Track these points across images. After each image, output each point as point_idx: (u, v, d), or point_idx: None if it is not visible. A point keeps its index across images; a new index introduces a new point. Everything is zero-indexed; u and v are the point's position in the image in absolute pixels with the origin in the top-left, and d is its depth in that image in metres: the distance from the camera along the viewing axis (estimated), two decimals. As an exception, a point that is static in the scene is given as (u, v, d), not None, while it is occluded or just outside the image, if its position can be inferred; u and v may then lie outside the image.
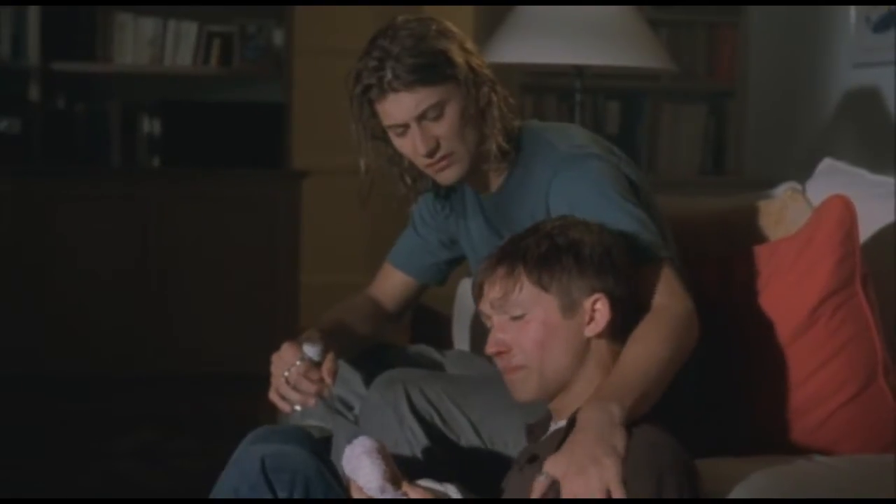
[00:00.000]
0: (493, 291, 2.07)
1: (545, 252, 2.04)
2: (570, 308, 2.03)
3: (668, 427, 1.96)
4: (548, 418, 2.12)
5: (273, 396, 2.34)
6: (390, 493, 1.95)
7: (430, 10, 6.56)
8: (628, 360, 2.01)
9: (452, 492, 2.02)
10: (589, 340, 2.04)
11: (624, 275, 2.06)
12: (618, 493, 1.82)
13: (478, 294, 2.12)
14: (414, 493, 1.96)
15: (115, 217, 5.32)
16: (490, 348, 2.08)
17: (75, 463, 4.15)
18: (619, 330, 2.05)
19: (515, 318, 2.05)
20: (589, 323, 2.03)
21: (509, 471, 2.10)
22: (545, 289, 2.03)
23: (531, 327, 2.04)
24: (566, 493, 1.84)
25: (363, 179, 2.40)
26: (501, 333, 2.06)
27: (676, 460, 1.88)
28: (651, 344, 2.03)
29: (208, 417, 4.75)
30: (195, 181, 5.44)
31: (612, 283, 2.04)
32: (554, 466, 1.87)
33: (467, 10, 5.91)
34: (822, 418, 2.33)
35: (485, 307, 2.10)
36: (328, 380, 2.31)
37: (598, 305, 2.03)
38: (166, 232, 5.37)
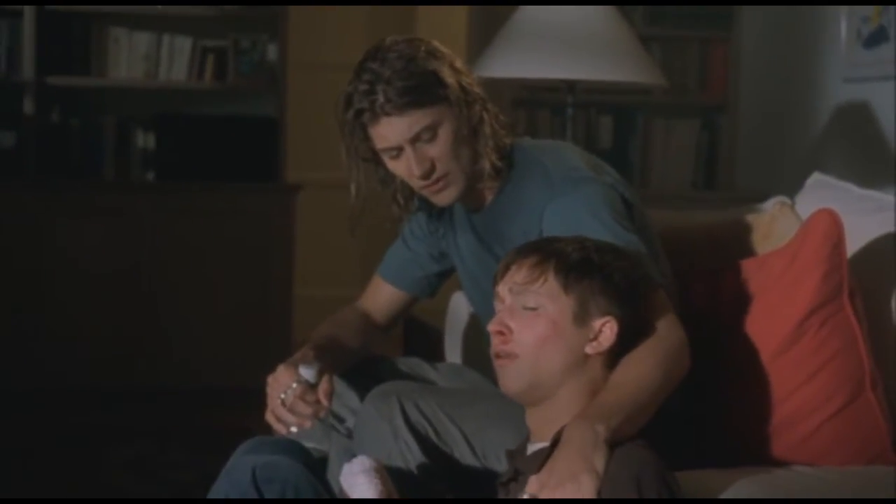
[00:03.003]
0: (517, 275, 2.08)
1: (579, 260, 2.07)
2: (581, 319, 2.05)
3: (653, 440, 1.97)
4: (525, 441, 2.13)
5: (270, 418, 2.34)
6: None
7: (424, 11, 6.60)
8: (619, 382, 2.03)
9: None
10: (587, 357, 2.06)
11: (637, 309, 2.09)
12: None
13: (501, 274, 2.12)
14: None
15: (110, 231, 5.32)
16: (493, 326, 2.09)
17: (68, 474, 4.15)
18: (615, 357, 2.08)
19: (528, 309, 2.07)
20: (593, 340, 2.06)
21: (498, 490, 2.11)
22: (566, 291, 2.05)
23: (540, 322, 2.05)
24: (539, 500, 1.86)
25: (353, 204, 2.41)
26: (509, 318, 2.08)
27: (657, 476, 1.89)
28: (643, 369, 2.05)
29: (201, 430, 4.75)
30: (189, 195, 5.45)
31: (626, 312, 2.07)
32: (536, 483, 1.89)
33: (461, 11, 5.92)
34: (810, 431, 2.34)
35: (503, 289, 2.11)
36: (325, 402, 2.31)
37: (607, 328, 2.05)
38: (160, 246, 5.37)
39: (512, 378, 2.07)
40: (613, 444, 1.92)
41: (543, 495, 1.86)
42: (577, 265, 2.06)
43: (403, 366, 2.68)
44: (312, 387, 2.32)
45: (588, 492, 1.85)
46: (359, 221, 2.41)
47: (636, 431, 1.98)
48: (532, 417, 2.10)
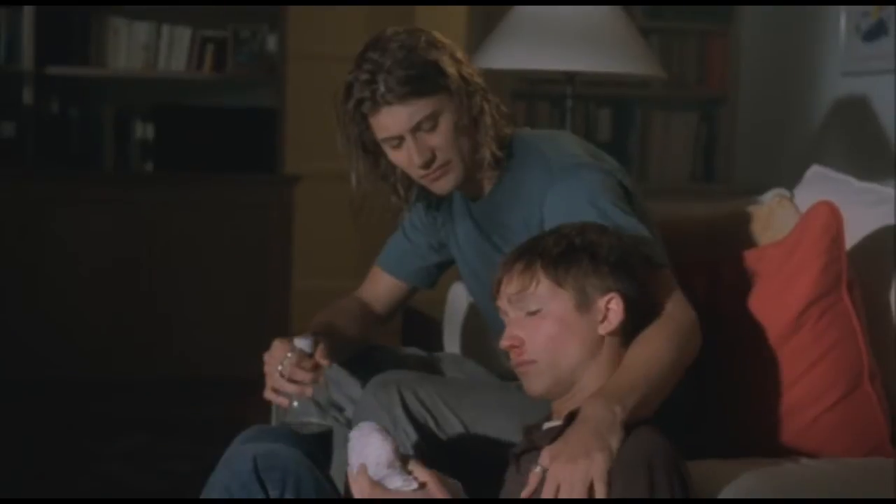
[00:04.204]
0: (510, 286, 2.10)
1: (563, 250, 2.08)
2: (584, 305, 2.06)
3: (660, 429, 1.98)
4: (545, 419, 2.14)
5: (269, 394, 2.34)
6: (398, 470, 1.97)
7: (423, 10, 6.59)
8: (634, 362, 2.04)
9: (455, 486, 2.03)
10: (602, 338, 2.07)
11: (639, 277, 2.10)
12: (600, 489, 1.85)
13: (496, 290, 2.14)
14: (419, 472, 1.98)
15: (109, 221, 5.32)
16: (504, 342, 2.10)
17: (66, 465, 4.15)
18: (631, 331, 2.08)
19: (531, 314, 2.08)
20: (603, 321, 2.07)
21: (507, 468, 2.11)
22: (561, 285, 2.06)
23: (546, 323, 2.07)
24: (550, 477, 1.87)
25: (354, 193, 2.42)
26: (517, 329, 2.09)
27: (669, 461, 1.90)
28: (656, 348, 2.06)
29: (200, 421, 4.76)
30: (188, 186, 5.45)
31: (626, 284, 2.07)
32: (548, 455, 1.90)
33: (461, 10, 5.92)
34: (808, 422, 2.35)
35: (502, 303, 2.13)
36: (324, 362, 2.31)
37: (612, 304, 2.06)
38: (159, 236, 5.38)
39: (536, 381, 2.09)
40: (629, 426, 1.92)
41: (554, 467, 1.87)
42: (562, 256, 2.07)
43: (402, 355, 2.68)
44: (309, 356, 2.31)
45: (599, 470, 1.85)
46: (361, 210, 2.42)
47: (651, 412, 1.99)
48: (557, 404, 2.10)
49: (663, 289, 2.16)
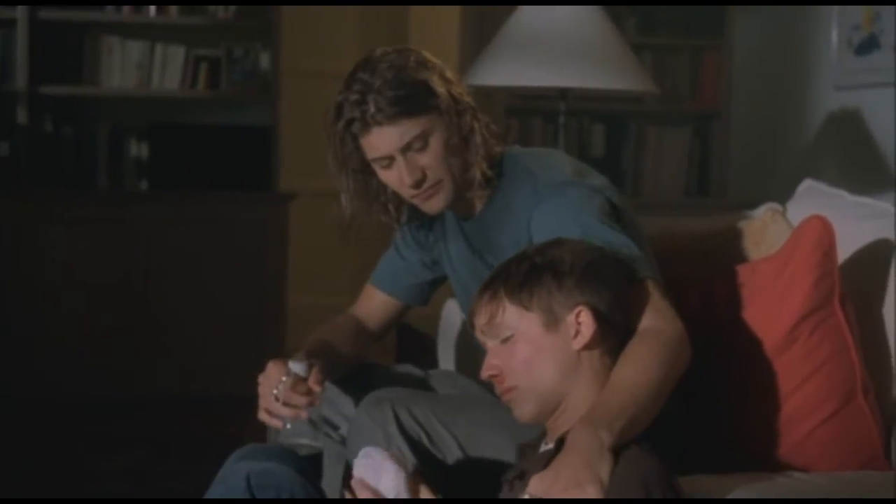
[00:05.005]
0: (480, 318, 2.11)
1: (525, 273, 2.08)
2: (553, 324, 2.05)
3: (651, 446, 1.98)
4: (541, 438, 2.14)
5: (262, 416, 2.34)
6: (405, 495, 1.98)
7: (417, 10, 6.60)
8: (620, 383, 2.02)
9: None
10: (579, 354, 2.06)
11: (610, 287, 2.08)
12: None
13: (470, 324, 2.16)
14: (425, 494, 2.00)
15: (103, 240, 5.32)
16: (483, 373, 2.11)
17: (65, 483, 4.15)
18: (611, 343, 2.07)
19: (505, 341, 2.08)
20: (576, 336, 2.05)
21: (500, 490, 2.11)
22: (526, 308, 2.06)
23: (518, 348, 2.06)
24: None
25: (344, 214, 2.42)
26: (493, 358, 2.09)
27: (663, 480, 1.90)
28: (643, 366, 2.04)
29: (195, 439, 4.75)
30: (182, 204, 5.46)
31: (595, 296, 2.06)
32: (539, 485, 1.89)
33: (454, 11, 5.93)
34: (802, 436, 2.35)
35: (479, 335, 2.13)
36: (317, 389, 2.31)
37: (582, 318, 2.05)
38: (154, 255, 5.38)
39: (522, 408, 2.09)
40: (618, 449, 1.92)
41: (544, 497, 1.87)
42: (524, 278, 2.07)
43: (397, 372, 2.68)
44: (303, 380, 2.32)
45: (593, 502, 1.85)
46: (349, 232, 2.42)
47: (641, 432, 1.98)
48: (550, 423, 2.10)
49: (649, 300, 2.14)
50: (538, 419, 2.10)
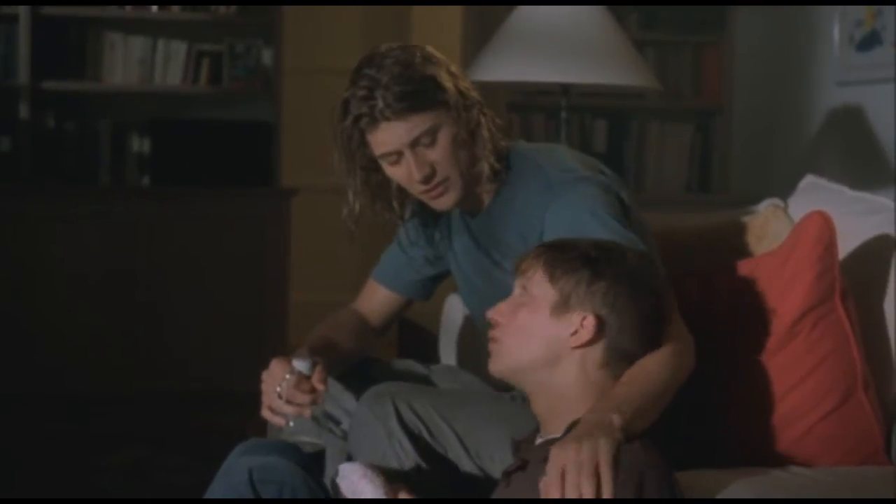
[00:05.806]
0: (521, 265, 2.12)
1: (574, 256, 2.08)
2: (561, 310, 2.06)
3: (650, 440, 1.98)
4: (535, 432, 2.14)
5: (266, 413, 2.34)
6: None
7: (420, 10, 6.60)
8: (628, 380, 2.05)
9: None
10: (573, 351, 2.06)
11: (634, 319, 2.07)
12: (605, 472, 1.84)
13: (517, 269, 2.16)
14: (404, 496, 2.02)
15: (105, 235, 5.33)
16: (489, 312, 2.14)
17: (65, 480, 4.15)
18: (610, 359, 2.07)
19: (521, 297, 2.10)
20: (574, 334, 2.06)
21: (497, 486, 2.12)
22: (551, 281, 2.07)
23: (520, 310, 2.09)
24: (553, 460, 1.86)
25: (350, 211, 2.42)
26: (505, 307, 2.12)
27: (658, 479, 1.90)
28: (651, 366, 2.06)
29: (197, 434, 4.75)
30: (185, 199, 5.46)
31: (613, 316, 2.06)
32: (559, 452, 1.89)
33: (455, 11, 5.94)
34: (803, 431, 2.35)
35: (516, 280, 2.15)
36: (320, 387, 2.32)
37: (586, 323, 2.05)
38: (156, 250, 5.38)
39: (495, 361, 2.12)
40: (626, 437, 1.92)
41: (557, 449, 1.87)
42: (571, 260, 2.08)
43: (398, 367, 2.69)
44: (307, 378, 2.32)
45: (605, 452, 1.85)
46: (356, 228, 2.42)
47: (647, 426, 1.99)
48: (541, 410, 2.11)
49: None
50: (504, 378, 2.13)
